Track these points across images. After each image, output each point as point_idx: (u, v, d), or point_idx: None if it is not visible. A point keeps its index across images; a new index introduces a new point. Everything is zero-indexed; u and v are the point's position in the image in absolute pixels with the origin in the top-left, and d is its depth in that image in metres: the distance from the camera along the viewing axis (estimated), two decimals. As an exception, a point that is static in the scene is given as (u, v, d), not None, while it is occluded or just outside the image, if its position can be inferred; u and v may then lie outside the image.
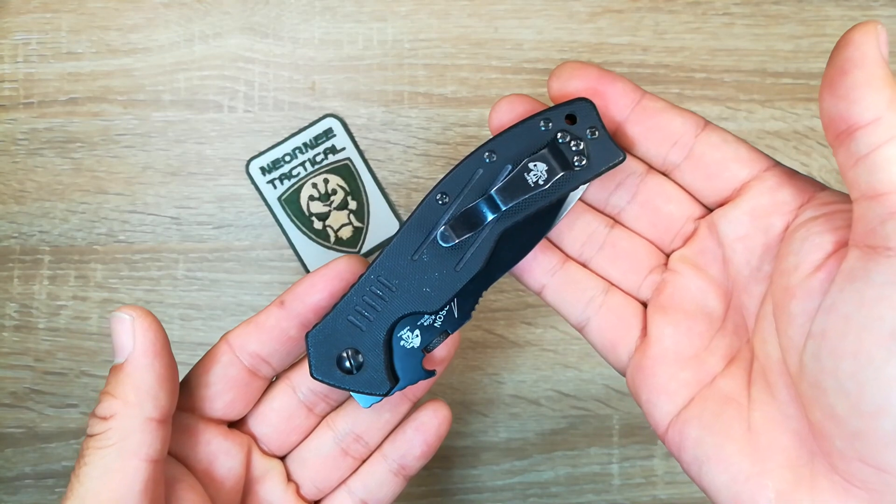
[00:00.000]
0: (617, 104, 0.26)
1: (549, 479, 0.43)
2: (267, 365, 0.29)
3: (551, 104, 0.27)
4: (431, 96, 0.44)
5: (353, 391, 0.27)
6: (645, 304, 0.28)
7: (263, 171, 0.43)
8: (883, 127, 0.20)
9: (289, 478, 0.30)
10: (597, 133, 0.26)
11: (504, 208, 0.26)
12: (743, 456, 0.24)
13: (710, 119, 0.44)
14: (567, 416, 0.43)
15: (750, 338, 0.26)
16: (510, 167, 0.26)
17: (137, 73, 0.43)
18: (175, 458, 0.27)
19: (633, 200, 0.27)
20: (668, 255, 0.28)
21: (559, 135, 0.26)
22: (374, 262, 0.27)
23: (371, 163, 0.43)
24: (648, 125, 0.26)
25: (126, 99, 0.43)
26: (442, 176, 0.27)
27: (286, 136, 0.43)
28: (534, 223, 0.27)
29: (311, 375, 0.27)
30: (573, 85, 0.26)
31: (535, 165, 0.26)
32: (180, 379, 0.28)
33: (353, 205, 0.43)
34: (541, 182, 0.26)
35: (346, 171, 0.43)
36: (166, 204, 0.43)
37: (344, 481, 0.30)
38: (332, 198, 0.43)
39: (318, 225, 0.43)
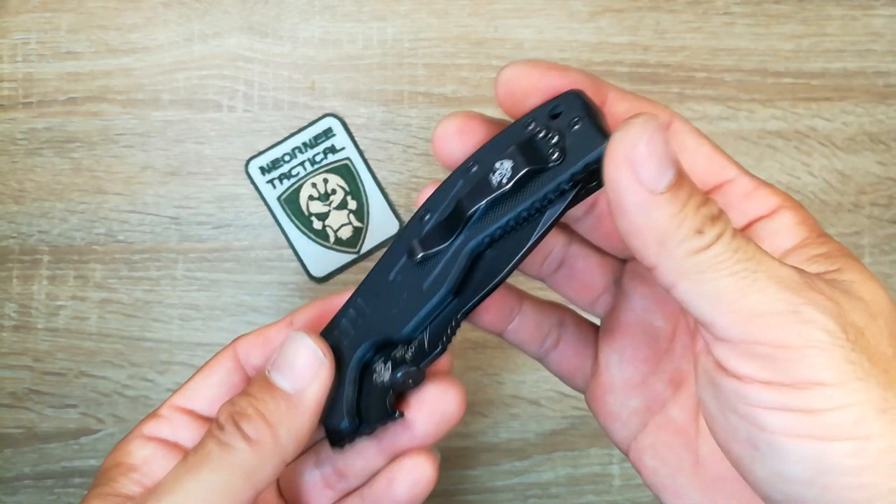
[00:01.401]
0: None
1: (549, 479, 0.43)
2: None
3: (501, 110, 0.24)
4: (431, 96, 0.44)
5: (323, 425, 0.25)
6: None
7: (263, 170, 0.43)
8: (658, 272, 0.20)
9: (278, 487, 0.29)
10: (578, 125, 0.21)
11: (467, 215, 0.22)
12: (693, 488, 0.25)
13: (711, 119, 0.44)
14: (567, 417, 0.43)
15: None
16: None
17: (137, 73, 0.43)
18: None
19: (590, 211, 0.26)
20: (624, 264, 0.27)
21: (540, 133, 0.22)
22: (360, 283, 0.25)
23: (371, 162, 0.43)
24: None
25: (125, 98, 0.43)
26: (443, 179, 0.25)
27: (286, 135, 0.43)
28: (507, 244, 0.23)
29: None
30: (523, 92, 0.23)
31: (500, 164, 0.22)
32: (184, 381, 0.28)
33: (352, 204, 0.43)
34: (504, 181, 0.22)
35: (345, 170, 0.43)
36: (165, 204, 0.43)
37: None
38: (331, 197, 0.43)
39: (317, 225, 0.43)
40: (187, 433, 0.27)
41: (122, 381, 0.42)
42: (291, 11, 0.44)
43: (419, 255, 0.23)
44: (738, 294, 0.19)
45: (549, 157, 0.22)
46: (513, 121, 0.23)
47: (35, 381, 0.42)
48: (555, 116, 0.22)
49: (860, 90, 0.44)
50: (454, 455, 0.43)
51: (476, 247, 0.23)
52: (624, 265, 0.27)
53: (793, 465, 0.20)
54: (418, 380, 0.25)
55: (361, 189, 0.43)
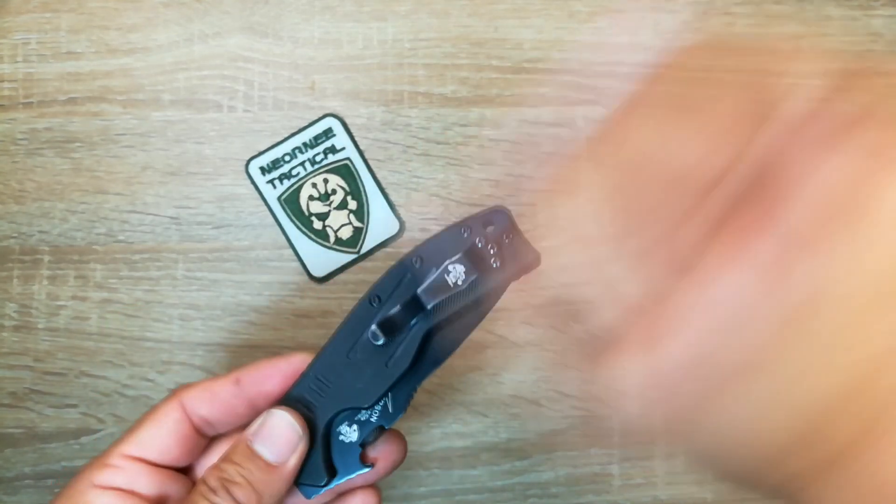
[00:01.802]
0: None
1: (549, 479, 0.43)
2: (213, 427, 0.31)
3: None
4: (431, 96, 0.44)
5: (296, 483, 0.29)
6: None
7: (263, 170, 0.43)
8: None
9: None
10: (511, 238, 0.28)
11: (428, 307, 0.28)
12: None
13: (710, 119, 0.44)
14: (567, 417, 0.43)
15: None
16: (435, 270, 0.28)
17: (137, 73, 0.43)
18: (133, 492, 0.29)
19: None
20: None
21: (478, 240, 0.28)
22: (312, 361, 0.29)
23: (371, 162, 0.43)
24: None
25: (125, 99, 0.43)
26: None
27: (286, 135, 0.43)
28: (461, 320, 0.29)
29: None
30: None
31: (454, 267, 0.28)
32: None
33: (352, 205, 0.43)
34: (459, 282, 0.28)
35: (345, 170, 0.43)
36: (166, 204, 0.43)
37: None
38: (331, 198, 0.43)
39: (317, 225, 0.43)
40: (143, 481, 0.29)
41: (123, 381, 0.42)
42: (291, 12, 0.44)
43: (381, 341, 0.28)
44: None
45: (492, 264, 0.28)
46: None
47: (35, 380, 0.42)
48: (487, 226, 0.28)
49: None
50: (454, 455, 0.43)
51: (430, 329, 0.28)
52: None
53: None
54: (380, 436, 0.30)
55: (361, 189, 0.43)
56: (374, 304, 0.29)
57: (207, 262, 0.43)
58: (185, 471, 0.31)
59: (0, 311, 0.43)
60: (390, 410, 0.30)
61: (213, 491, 0.26)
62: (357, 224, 0.43)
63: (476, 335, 0.43)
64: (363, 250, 0.43)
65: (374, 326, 0.28)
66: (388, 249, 0.43)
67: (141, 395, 0.42)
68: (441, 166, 0.43)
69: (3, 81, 0.43)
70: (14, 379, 0.42)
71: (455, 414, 0.43)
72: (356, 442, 0.30)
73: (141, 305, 0.43)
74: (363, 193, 0.43)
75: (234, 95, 0.43)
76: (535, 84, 0.44)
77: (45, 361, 0.42)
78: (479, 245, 0.28)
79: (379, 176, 0.43)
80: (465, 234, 0.28)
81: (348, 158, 0.43)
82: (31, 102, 0.43)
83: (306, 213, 0.43)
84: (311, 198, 0.43)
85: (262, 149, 0.43)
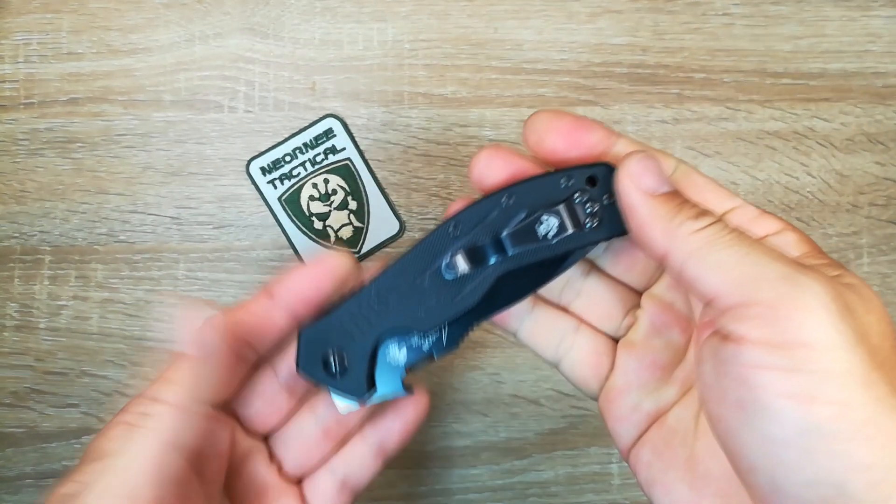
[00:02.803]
0: (593, 150, 0.27)
1: (548, 478, 0.43)
2: (253, 352, 0.29)
3: (526, 149, 0.28)
4: (431, 96, 0.44)
5: (332, 392, 0.28)
6: (617, 340, 0.30)
7: (264, 171, 0.43)
8: (669, 259, 0.24)
9: (271, 457, 0.30)
10: (612, 200, 0.26)
11: (510, 253, 0.27)
12: (683, 483, 0.26)
13: (709, 119, 0.44)
14: (567, 416, 0.43)
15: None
16: (524, 214, 0.27)
17: (138, 74, 0.43)
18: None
19: (609, 247, 0.29)
20: (640, 295, 0.30)
21: (577, 194, 0.26)
22: (377, 274, 0.28)
23: (371, 163, 0.43)
24: None
25: (126, 99, 0.43)
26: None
27: (286, 136, 0.43)
28: (535, 271, 0.28)
29: (297, 370, 0.28)
30: (551, 139, 0.27)
31: (547, 218, 0.26)
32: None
33: (353, 205, 0.43)
34: (549, 236, 0.26)
35: (346, 171, 0.43)
36: (167, 204, 0.43)
37: (325, 461, 0.31)
38: (332, 198, 0.43)
39: (318, 225, 0.43)
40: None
41: (124, 381, 0.43)
42: (292, 12, 0.44)
43: (453, 274, 0.27)
44: (737, 263, 0.22)
45: (587, 222, 0.26)
46: (529, 153, 0.28)
47: (37, 380, 0.43)
48: (591, 182, 0.27)
49: (859, 91, 0.44)
50: (454, 454, 0.43)
51: (505, 273, 0.27)
52: (639, 297, 0.29)
53: (776, 424, 0.21)
54: (426, 365, 0.29)
55: (362, 189, 0.43)
56: (453, 234, 0.27)
57: (208, 262, 0.43)
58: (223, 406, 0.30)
59: (1, 311, 0.43)
60: (443, 342, 0.29)
61: (127, 412, 0.26)
62: (357, 224, 0.43)
63: (476, 334, 0.43)
64: (364, 250, 0.43)
65: (449, 257, 0.27)
66: (388, 249, 0.43)
67: (142, 394, 0.42)
68: (441, 166, 0.44)
69: (4, 82, 0.43)
70: (15, 378, 0.42)
71: (455, 413, 0.43)
72: (402, 364, 0.28)
73: (142, 305, 0.43)
74: (363, 194, 0.43)
75: (235, 96, 0.43)
76: (535, 84, 0.44)
77: (46, 361, 0.43)
78: (577, 200, 0.26)
79: (379, 176, 0.44)
80: (565, 185, 0.27)
81: (349, 159, 0.43)
82: (33, 103, 0.43)
83: (307, 214, 0.43)
84: (311, 198, 0.43)
85: (263, 149, 0.43)
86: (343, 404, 0.28)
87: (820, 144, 0.44)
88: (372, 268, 0.28)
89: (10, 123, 0.43)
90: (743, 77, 0.44)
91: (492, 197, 0.27)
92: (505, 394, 0.43)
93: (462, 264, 0.27)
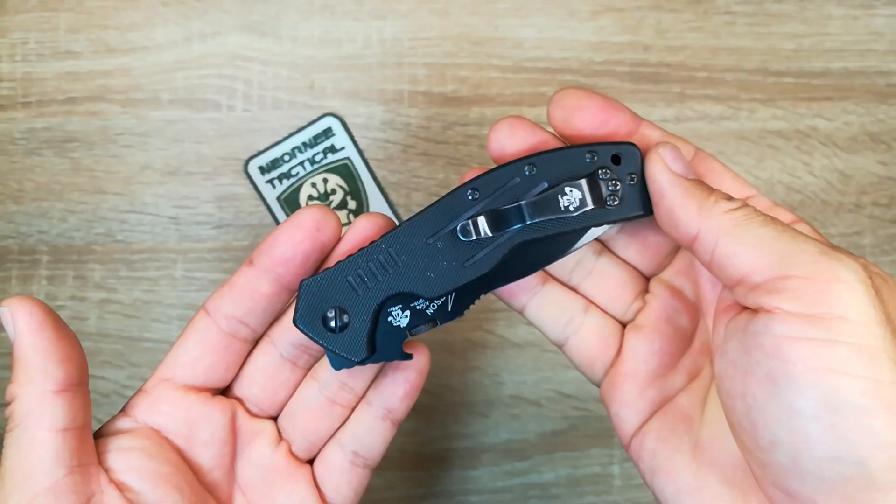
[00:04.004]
0: (618, 132, 0.27)
1: (549, 480, 0.43)
2: (245, 326, 0.29)
3: (550, 125, 0.28)
4: (431, 95, 0.43)
5: (328, 349, 0.27)
6: (625, 325, 0.29)
7: (262, 170, 0.43)
8: (702, 237, 0.24)
9: (280, 437, 0.30)
10: (635, 180, 0.26)
11: (529, 222, 0.26)
12: (688, 470, 0.26)
13: (712, 118, 0.44)
14: (568, 417, 0.43)
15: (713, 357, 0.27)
16: (546, 185, 0.26)
17: (136, 73, 0.43)
18: (150, 429, 0.28)
19: (622, 229, 0.29)
20: (649, 280, 0.30)
21: (601, 170, 0.26)
22: (389, 231, 0.27)
23: (370, 162, 0.43)
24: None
25: (124, 98, 0.43)
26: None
27: (285, 135, 0.43)
28: (549, 245, 0.27)
29: (294, 323, 0.27)
30: (579, 117, 0.27)
31: (570, 191, 0.26)
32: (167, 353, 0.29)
33: (352, 204, 0.43)
34: (571, 208, 0.26)
35: (345, 170, 0.43)
36: (165, 204, 0.43)
37: (333, 435, 0.30)
38: (331, 197, 0.43)
39: (317, 225, 0.43)
40: (163, 419, 0.28)
41: (122, 382, 0.42)
42: (291, 11, 0.44)
43: (473, 237, 0.26)
44: (774, 239, 0.23)
45: (608, 200, 0.26)
46: (552, 131, 0.28)
47: (34, 381, 0.42)
48: (615, 160, 0.26)
49: (861, 90, 0.44)
50: (455, 455, 0.43)
51: (521, 243, 0.26)
52: (648, 282, 0.29)
53: (807, 397, 0.21)
54: (429, 330, 0.28)
55: (361, 189, 0.43)
56: (472, 197, 0.26)
57: (206, 261, 0.43)
58: (226, 391, 0.30)
59: None
60: (448, 309, 0.28)
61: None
62: (357, 224, 0.43)
63: (476, 335, 0.43)
64: (363, 250, 0.43)
65: (467, 220, 0.26)
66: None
67: (140, 395, 0.42)
68: (441, 165, 0.43)
69: (1, 81, 0.43)
70: (12, 379, 0.42)
71: (455, 414, 0.43)
72: (404, 328, 0.28)
73: (140, 305, 0.43)
74: (363, 193, 0.43)
75: (234, 95, 0.43)
76: (537, 83, 0.44)
77: (43, 362, 0.42)
78: (601, 176, 0.26)
79: (379, 176, 0.43)
80: (590, 160, 0.26)
81: (348, 158, 0.43)
82: (30, 102, 0.43)
83: (306, 213, 0.43)
84: (310, 197, 0.43)
85: (262, 148, 0.43)
86: (338, 364, 0.28)
87: (822, 144, 0.44)
88: (378, 221, 0.28)
89: (8, 123, 0.43)
90: (745, 76, 0.44)
91: (514, 164, 0.27)
92: (505, 395, 0.43)
93: (482, 226, 0.26)
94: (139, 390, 0.29)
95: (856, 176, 0.44)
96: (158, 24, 0.43)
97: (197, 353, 0.28)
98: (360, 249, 0.27)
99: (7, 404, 0.26)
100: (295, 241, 0.27)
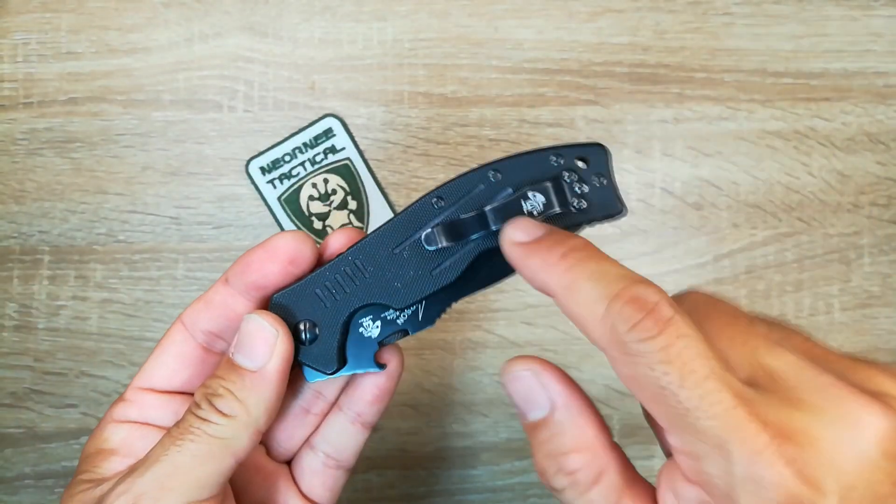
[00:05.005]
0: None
1: (549, 479, 0.43)
2: (221, 341, 0.29)
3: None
4: (431, 96, 0.44)
5: (300, 362, 0.27)
6: None
7: (263, 170, 0.43)
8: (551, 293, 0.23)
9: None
10: (604, 182, 0.26)
11: (493, 228, 0.26)
12: None
13: (710, 119, 0.44)
14: (567, 417, 0.43)
15: None
16: (510, 190, 0.26)
17: (137, 73, 0.43)
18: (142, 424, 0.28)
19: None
20: None
21: (566, 173, 0.26)
22: (356, 243, 0.27)
23: (371, 163, 0.43)
24: None
25: (126, 99, 0.43)
26: (444, 179, 0.26)
27: (286, 135, 0.43)
28: None
29: None
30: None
31: (533, 195, 0.26)
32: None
33: (352, 205, 0.43)
34: (535, 213, 0.25)
35: (345, 170, 0.43)
36: (166, 204, 0.43)
37: (307, 440, 0.31)
38: (331, 198, 0.43)
39: (317, 225, 0.43)
40: (155, 412, 0.28)
41: (123, 381, 0.42)
42: (291, 12, 0.44)
43: (434, 246, 0.26)
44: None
45: (573, 203, 0.26)
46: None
47: (36, 380, 0.42)
48: (581, 161, 0.26)
49: (860, 90, 0.44)
50: (454, 455, 0.43)
51: (487, 250, 0.26)
52: None
53: None
54: (399, 339, 0.28)
55: (361, 189, 0.43)
56: (437, 206, 0.26)
57: (207, 262, 0.43)
58: None
59: (0, 311, 0.43)
60: (419, 319, 0.28)
61: (199, 406, 0.26)
62: (357, 224, 0.43)
63: (476, 335, 0.43)
64: (363, 250, 0.43)
65: (431, 229, 0.26)
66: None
67: (141, 394, 0.42)
68: (441, 166, 0.43)
69: (3, 81, 0.43)
70: (14, 379, 0.42)
71: (455, 414, 0.43)
72: (376, 339, 0.28)
73: (141, 305, 0.43)
74: (363, 193, 0.43)
75: (235, 95, 0.43)
76: (536, 84, 0.44)
77: (45, 361, 0.42)
78: (567, 179, 0.26)
79: (379, 176, 0.43)
80: (554, 162, 0.26)
81: (348, 158, 0.43)
82: (32, 102, 0.43)
83: (306, 213, 0.43)
84: (311, 198, 0.43)
85: (263, 149, 0.43)
86: (312, 376, 0.28)
87: (821, 144, 0.44)
88: (351, 236, 0.28)
89: (9, 123, 0.43)
90: (744, 76, 0.44)
91: (479, 170, 0.26)
92: (505, 394, 0.43)
93: (444, 236, 0.26)
94: (118, 399, 0.29)
95: (854, 176, 0.44)
96: (160, 25, 0.43)
97: (175, 366, 0.29)
98: (329, 261, 0.27)
99: (219, 412, 0.26)
100: (265, 272, 0.28)
